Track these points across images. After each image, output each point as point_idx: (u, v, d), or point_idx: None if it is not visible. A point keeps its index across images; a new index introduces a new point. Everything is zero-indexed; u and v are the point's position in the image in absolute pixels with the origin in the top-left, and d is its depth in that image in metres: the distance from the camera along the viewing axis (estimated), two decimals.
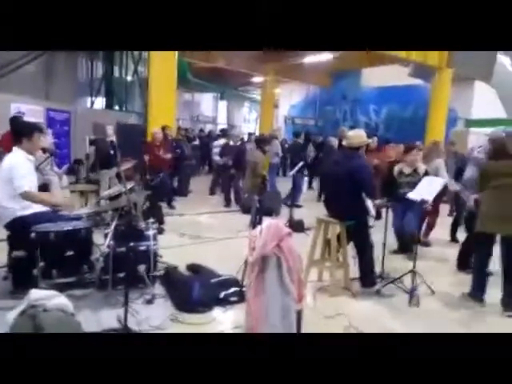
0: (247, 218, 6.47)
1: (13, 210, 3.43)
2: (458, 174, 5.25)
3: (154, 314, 3.22)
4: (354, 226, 3.95)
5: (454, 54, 11.45)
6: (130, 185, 4.01)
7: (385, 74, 14.72)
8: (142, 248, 3.63)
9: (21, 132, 3.64)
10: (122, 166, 3.74)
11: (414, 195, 4.17)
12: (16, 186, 3.37)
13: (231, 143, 8.88)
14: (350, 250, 4.15)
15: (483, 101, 13.35)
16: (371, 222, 4.39)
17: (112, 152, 6.47)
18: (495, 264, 3.97)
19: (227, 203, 8.28)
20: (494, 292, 3.86)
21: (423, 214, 5.05)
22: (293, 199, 7.39)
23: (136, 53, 13.69)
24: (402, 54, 11.07)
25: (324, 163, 8.52)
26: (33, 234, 3.23)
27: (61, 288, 2.95)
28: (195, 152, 11.27)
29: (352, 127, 9.80)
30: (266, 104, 17.78)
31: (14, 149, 3.56)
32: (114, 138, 7.13)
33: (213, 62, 14.82)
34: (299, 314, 2.64)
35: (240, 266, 3.74)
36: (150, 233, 3.77)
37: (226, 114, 24.33)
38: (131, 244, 3.35)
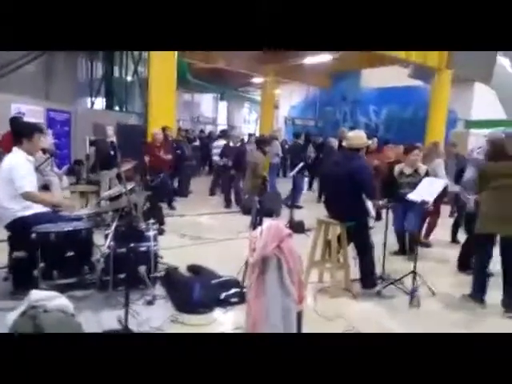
0: (248, 219, 6.47)
1: (13, 211, 3.43)
2: (458, 176, 5.25)
3: (154, 315, 3.22)
4: (355, 227, 3.95)
5: (454, 55, 11.46)
6: (130, 185, 4.01)
7: (385, 75, 14.73)
8: (143, 249, 3.63)
9: (21, 133, 3.64)
10: (123, 167, 3.74)
11: (414, 196, 4.17)
12: (17, 187, 3.37)
13: (231, 144, 8.87)
14: (351, 251, 4.15)
15: (483, 102, 13.37)
16: (371, 222, 4.39)
17: (112, 153, 6.50)
18: (495, 265, 3.96)
19: (227, 204, 8.28)
20: (494, 293, 3.86)
21: (424, 214, 5.06)
22: (293, 200, 7.39)
23: (136, 53, 13.69)
24: (402, 55, 11.08)
25: (324, 164, 8.52)
26: (33, 235, 3.23)
27: (61, 289, 2.95)
28: (195, 153, 11.28)
29: (352, 128, 9.80)
30: (266, 105, 17.79)
31: (14, 149, 3.56)
32: (114, 139, 7.13)
33: (213, 63, 14.83)
34: (299, 315, 2.63)
35: (240, 267, 3.74)
36: (151, 234, 3.77)
37: (226, 114, 24.33)
38: (132, 245, 3.35)
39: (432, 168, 5.35)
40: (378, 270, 4.18)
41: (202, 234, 5.84)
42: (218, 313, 3.41)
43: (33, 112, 9.52)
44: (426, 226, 5.80)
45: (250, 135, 12.54)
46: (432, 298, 4.04)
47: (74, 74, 13.55)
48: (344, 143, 4.24)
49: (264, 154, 7.67)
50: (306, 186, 10.56)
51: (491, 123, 11.35)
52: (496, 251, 3.87)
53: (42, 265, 3.22)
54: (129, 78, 14.43)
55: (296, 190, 8.03)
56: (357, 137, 4.10)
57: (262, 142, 8.02)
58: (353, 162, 3.93)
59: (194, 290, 3.52)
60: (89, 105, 14.59)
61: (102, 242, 3.71)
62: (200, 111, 22.87)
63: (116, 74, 14.11)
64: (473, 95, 13.81)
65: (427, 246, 5.85)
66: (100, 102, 14.53)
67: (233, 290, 3.65)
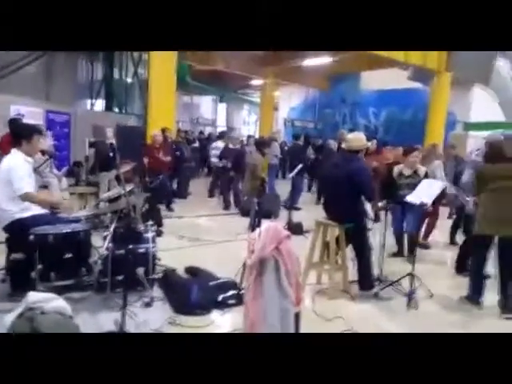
0: (246, 221, 6.46)
1: (11, 213, 3.43)
2: (456, 177, 5.26)
3: (152, 317, 3.22)
4: (353, 229, 3.96)
5: (453, 57, 11.50)
6: (129, 187, 4.01)
7: (384, 78, 14.76)
8: (141, 250, 3.63)
9: (20, 134, 3.64)
10: (122, 169, 3.75)
11: (412, 198, 4.18)
12: (16, 188, 3.37)
13: (231, 146, 8.88)
14: (349, 252, 4.15)
15: (482, 104, 13.40)
16: (370, 224, 4.39)
17: (111, 154, 6.48)
18: (492, 267, 3.97)
19: (226, 206, 8.29)
20: (491, 295, 3.86)
21: (423, 215, 5.07)
22: (292, 202, 7.39)
23: (136, 55, 13.70)
24: (401, 57, 11.10)
25: (323, 166, 8.54)
26: (31, 237, 3.22)
27: (59, 291, 2.95)
28: (195, 154, 11.29)
29: (351, 130, 9.82)
30: (266, 106, 17.81)
31: (13, 151, 3.56)
32: (113, 141, 7.12)
33: (212, 65, 14.86)
34: (297, 316, 2.63)
35: (238, 268, 3.74)
36: (149, 235, 3.77)
37: (226, 116, 24.36)
38: (130, 246, 3.35)
39: (431, 170, 5.37)
40: (376, 272, 4.18)
41: (200, 235, 5.84)
42: (215, 315, 3.41)
43: (32, 113, 9.51)
44: (424, 227, 5.80)
45: (249, 137, 12.55)
46: (429, 300, 4.04)
47: (73, 76, 13.56)
48: (343, 145, 4.24)
49: (263, 155, 7.68)
50: (305, 187, 10.56)
51: (490, 125, 11.37)
52: (492, 252, 3.87)
53: (39, 266, 3.21)
54: (129, 80, 14.45)
55: (295, 191, 8.04)
56: (356, 139, 4.11)
57: (261, 144, 8.02)
58: (352, 164, 3.93)
59: (192, 291, 3.52)
60: (88, 106, 14.60)
61: (101, 243, 3.71)
62: (199, 113, 22.90)
63: (116, 75, 14.11)
64: (472, 97, 13.85)
65: (426, 247, 5.86)
66: (100, 104, 14.54)
67: (231, 292, 3.65)
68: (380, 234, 4.33)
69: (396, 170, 5.18)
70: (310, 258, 4.16)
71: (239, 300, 3.45)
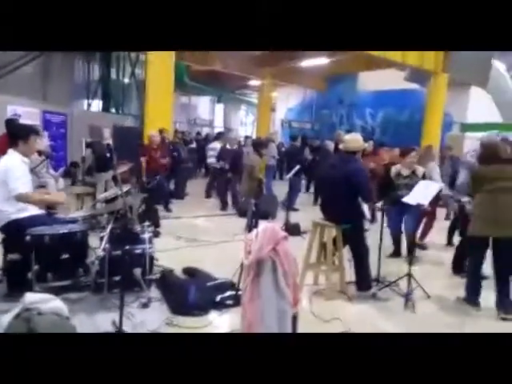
0: (243, 222, 6.45)
1: (8, 213, 3.41)
2: (453, 179, 5.28)
3: (149, 318, 3.21)
4: (350, 230, 3.96)
5: (450, 59, 11.53)
6: (126, 188, 4.00)
7: (381, 78, 14.79)
8: (138, 251, 3.62)
9: (17, 134, 3.63)
10: (119, 169, 3.74)
11: (409, 199, 4.20)
12: (11, 189, 3.36)
13: (228, 147, 8.87)
14: (346, 253, 4.15)
15: (479, 105, 13.45)
16: (367, 225, 4.40)
17: (108, 155, 6.48)
18: (489, 267, 3.98)
19: (223, 206, 8.28)
20: (489, 295, 3.88)
21: (420, 216, 5.09)
22: (289, 202, 7.39)
23: (133, 55, 13.70)
24: (399, 58, 11.13)
25: (320, 167, 8.55)
26: (28, 237, 3.21)
27: (56, 291, 2.93)
28: (192, 155, 11.28)
29: (348, 131, 9.83)
30: (263, 107, 17.82)
31: (10, 151, 3.54)
32: (110, 141, 7.12)
33: (210, 66, 14.85)
34: (295, 317, 2.63)
35: (236, 269, 3.74)
36: (146, 236, 3.76)
37: (223, 117, 24.35)
38: (127, 247, 3.35)
39: (427, 171, 5.39)
40: (374, 273, 4.19)
41: (197, 236, 5.84)
42: (213, 315, 3.41)
43: (29, 114, 9.49)
44: (421, 227, 5.82)
45: (246, 137, 12.56)
46: (427, 301, 4.05)
47: (70, 76, 13.54)
48: (341, 146, 4.25)
49: (260, 156, 7.68)
50: (303, 188, 10.56)
51: (487, 126, 11.40)
52: (489, 253, 3.89)
53: (36, 267, 3.20)
54: (126, 80, 14.44)
55: (292, 192, 8.03)
56: (353, 140, 4.12)
57: (258, 145, 8.02)
58: (349, 165, 3.94)
59: (190, 292, 3.52)
60: (85, 107, 14.57)
61: (97, 244, 3.70)
62: (197, 113, 22.88)
63: (113, 76, 14.11)
64: (468, 98, 13.90)
65: (423, 248, 5.88)
66: (96, 104, 14.52)
67: (228, 293, 3.65)
68: (377, 235, 4.33)
69: (394, 170, 5.19)
70: (307, 259, 4.16)
71: (237, 301, 3.44)
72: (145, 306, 3.43)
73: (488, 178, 3.73)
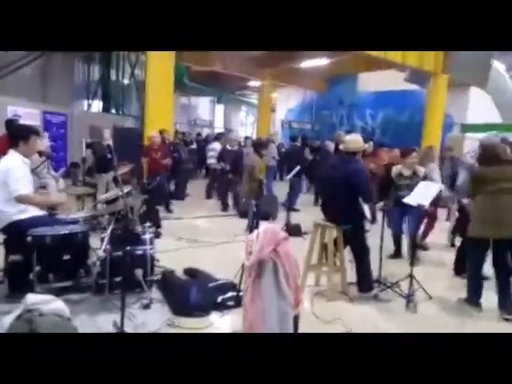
0: (244, 222, 6.46)
1: (9, 214, 3.41)
2: (453, 179, 5.28)
3: (150, 319, 3.21)
4: (351, 231, 3.96)
5: (450, 60, 11.53)
6: (126, 189, 4.00)
7: (381, 79, 14.79)
8: (139, 252, 3.62)
9: (17, 135, 3.63)
10: (119, 170, 3.74)
11: (410, 200, 4.20)
12: (11, 190, 3.35)
13: (229, 147, 8.87)
14: (347, 254, 4.15)
15: (479, 106, 13.45)
16: (367, 226, 4.40)
17: (109, 156, 6.48)
18: (489, 268, 3.98)
19: (224, 207, 8.28)
20: (490, 296, 3.88)
21: (421, 216, 5.09)
22: (290, 203, 7.40)
23: (133, 56, 13.70)
24: (399, 58, 11.13)
25: (321, 168, 8.55)
26: (29, 238, 3.22)
27: (57, 292, 2.94)
28: (192, 156, 11.28)
29: (348, 132, 9.84)
30: (263, 108, 17.81)
31: (10, 152, 3.54)
32: (110, 142, 7.11)
33: (210, 66, 14.85)
34: (296, 318, 2.63)
35: (237, 270, 3.73)
36: (147, 237, 3.76)
37: (223, 117, 24.36)
38: (128, 248, 3.34)
39: (427, 172, 5.39)
40: (375, 274, 4.18)
41: (198, 237, 5.84)
42: (214, 316, 3.41)
43: (29, 115, 9.49)
44: (422, 228, 5.81)
45: (246, 138, 12.55)
46: (429, 302, 4.05)
47: (70, 77, 13.54)
48: (341, 147, 4.25)
49: (261, 157, 7.68)
50: (304, 188, 10.56)
51: (487, 127, 11.40)
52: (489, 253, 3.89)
53: (37, 268, 3.20)
54: (126, 81, 14.45)
55: (293, 193, 8.03)
56: (354, 140, 4.12)
57: (258, 145, 8.03)
58: (349, 166, 3.94)
59: (191, 293, 3.51)
60: (85, 107, 14.59)
61: (98, 245, 3.69)
62: (197, 114, 22.89)
63: (113, 76, 14.10)
64: (469, 99, 13.90)
65: (424, 248, 5.87)
66: (97, 105, 14.52)
67: (229, 294, 3.64)
68: (377, 236, 4.33)
69: (394, 170, 5.19)
70: (309, 260, 4.16)
71: (238, 302, 3.44)
72: (146, 306, 3.43)
73: (488, 179, 3.73)
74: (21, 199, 3.40)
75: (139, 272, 3.52)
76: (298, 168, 7.27)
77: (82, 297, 3.41)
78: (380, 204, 4.42)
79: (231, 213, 8.00)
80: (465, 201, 4.55)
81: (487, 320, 3.69)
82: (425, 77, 12.52)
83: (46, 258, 3.26)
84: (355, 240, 4.02)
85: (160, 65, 8.45)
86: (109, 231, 3.55)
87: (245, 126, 25.96)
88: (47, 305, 2.39)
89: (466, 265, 4.29)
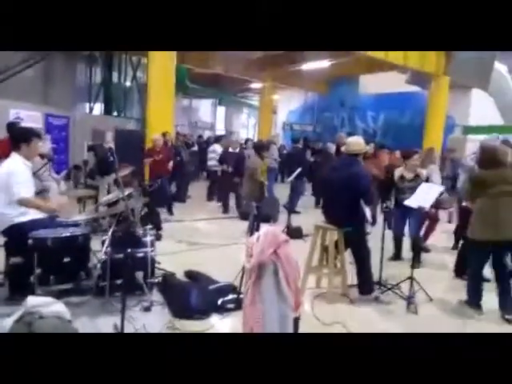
0: (245, 225, 6.45)
1: (10, 217, 3.42)
2: (453, 181, 5.28)
3: (151, 322, 3.21)
4: (352, 233, 3.96)
5: (451, 62, 11.52)
6: (128, 191, 4.01)
7: (382, 81, 14.79)
8: (140, 254, 3.62)
9: (19, 138, 3.64)
10: (121, 172, 3.75)
11: (411, 202, 4.19)
12: (13, 192, 3.36)
13: (230, 150, 8.87)
14: (348, 256, 4.15)
15: (480, 108, 13.42)
16: (368, 228, 4.40)
17: (111, 158, 6.49)
18: (490, 269, 3.98)
19: (225, 209, 8.28)
20: (491, 298, 3.87)
21: (423, 218, 5.08)
22: (291, 205, 7.39)
23: (135, 58, 13.74)
24: (400, 60, 11.13)
25: (322, 170, 8.54)
26: (30, 241, 3.22)
27: (58, 295, 2.95)
28: (193, 158, 11.29)
29: (350, 134, 9.82)
30: (265, 110, 17.84)
31: (12, 154, 3.56)
32: (112, 144, 7.13)
33: (211, 68, 14.88)
34: (296, 321, 2.63)
35: (238, 272, 3.74)
36: (148, 239, 3.76)
37: (225, 119, 24.38)
38: (129, 250, 3.34)
39: (428, 173, 5.38)
40: (376, 276, 4.17)
41: (199, 239, 5.84)
42: (215, 319, 3.41)
43: (31, 117, 9.52)
44: (423, 230, 5.80)
45: (247, 140, 12.54)
46: (429, 304, 4.04)
47: (72, 80, 13.56)
48: (342, 149, 4.25)
49: (262, 159, 7.68)
50: (307, 190, 10.54)
51: (489, 129, 11.38)
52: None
53: (38, 271, 3.21)
54: (127, 84, 14.48)
55: (294, 195, 8.03)
56: (355, 143, 4.11)
57: (260, 147, 8.02)
58: (351, 168, 3.94)
59: (192, 295, 3.52)
60: (87, 110, 14.61)
61: (99, 247, 3.70)
62: (198, 116, 22.92)
63: (115, 79, 14.14)
64: (470, 101, 13.88)
65: (426, 250, 5.86)
66: (98, 108, 14.55)
67: (230, 296, 3.64)
68: (378, 238, 4.32)
69: (397, 173, 5.18)
70: (309, 262, 4.16)
71: (239, 304, 3.43)
72: (147, 309, 3.43)
73: (488, 182, 3.71)
74: (22, 202, 3.41)
75: (140, 274, 3.53)
76: (299, 170, 7.27)
77: (83, 299, 3.42)
78: (384, 205, 4.41)
79: (232, 215, 8.00)
80: (465, 203, 4.54)
81: (488, 322, 3.68)
82: (426, 78, 12.51)
83: (46, 261, 3.27)
84: (356, 242, 4.02)
85: (162, 67, 8.47)
86: (110, 233, 3.56)
87: (246, 128, 25.98)
88: (48, 307, 2.40)
89: (467, 267, 4.29)
